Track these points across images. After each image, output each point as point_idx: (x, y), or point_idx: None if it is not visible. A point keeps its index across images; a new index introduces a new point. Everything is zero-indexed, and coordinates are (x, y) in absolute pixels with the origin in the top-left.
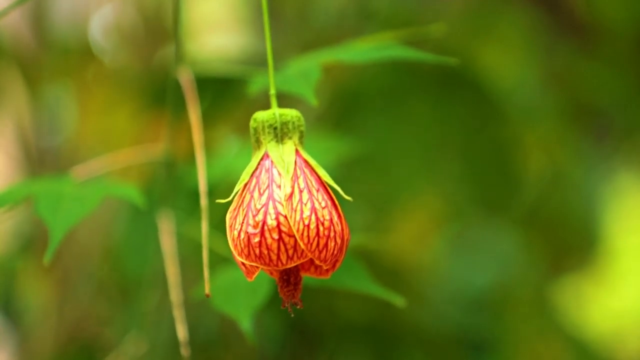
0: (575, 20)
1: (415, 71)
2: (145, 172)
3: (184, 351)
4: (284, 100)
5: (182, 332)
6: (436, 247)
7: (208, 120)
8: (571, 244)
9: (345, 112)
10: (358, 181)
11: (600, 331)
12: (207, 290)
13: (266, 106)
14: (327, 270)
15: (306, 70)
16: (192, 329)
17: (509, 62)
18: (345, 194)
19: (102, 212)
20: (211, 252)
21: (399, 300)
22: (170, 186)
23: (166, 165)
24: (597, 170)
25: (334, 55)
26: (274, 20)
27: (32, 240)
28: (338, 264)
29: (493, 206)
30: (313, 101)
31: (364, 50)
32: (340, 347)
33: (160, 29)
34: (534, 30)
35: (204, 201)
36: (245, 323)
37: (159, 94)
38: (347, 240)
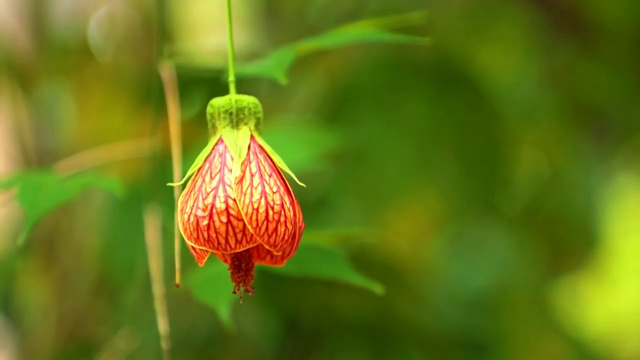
0: (575, 20)
1: (412, 68)
2: (142, 168)
3: (164, 344)
4: (283, 98)
5: (163, 325)
6: (435, 247)
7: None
8: (571, 244)
9: (341, 108)
10: (353, 179)
11: (600, 331)
12: (177, 280)
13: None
14: (281, 258)
15: (282, 57)
16: (191, 329)
17: (508, 61)
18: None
19: (101, 212)
20: None
21: (378, 289)
22: (157, 181)
23: (151, 160)
24: (597, 170)
25: (314, 43)
26: (272, 19)
27: (32, 240)
28: (293, 252)
29: (487, 205)
30: (283, 80)
31: (344, 35)
32: (339, 347)
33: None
34: (533, 29)
35: (177, 192)
36: (223, 312)
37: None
38: (300, 227)
